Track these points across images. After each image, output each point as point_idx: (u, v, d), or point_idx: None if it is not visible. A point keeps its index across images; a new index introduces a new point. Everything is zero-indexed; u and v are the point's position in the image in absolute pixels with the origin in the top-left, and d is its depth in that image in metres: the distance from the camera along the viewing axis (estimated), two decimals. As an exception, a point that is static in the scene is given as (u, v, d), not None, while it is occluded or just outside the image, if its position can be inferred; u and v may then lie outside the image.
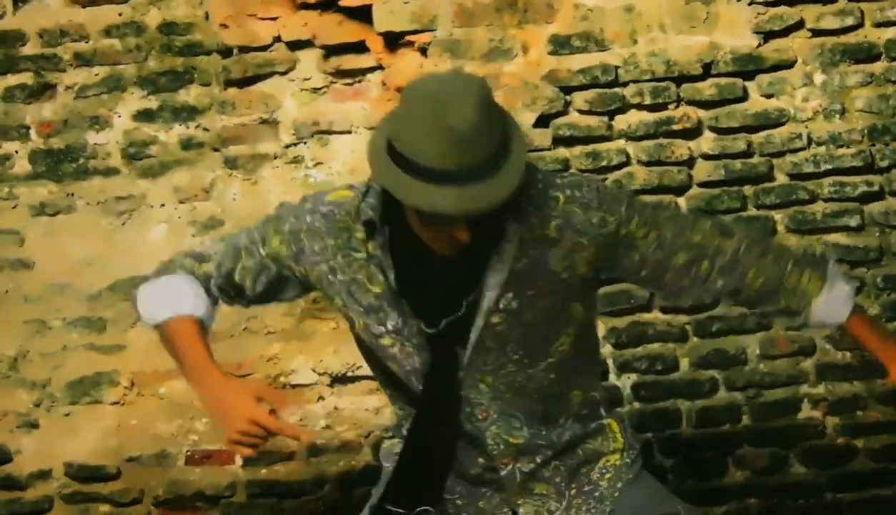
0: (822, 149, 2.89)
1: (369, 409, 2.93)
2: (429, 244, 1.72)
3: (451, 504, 1.93)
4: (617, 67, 2.90)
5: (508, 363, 1.84)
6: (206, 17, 2.94)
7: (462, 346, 1.81)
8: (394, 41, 2.87)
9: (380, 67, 2.91)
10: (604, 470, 1.98)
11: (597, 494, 1.96)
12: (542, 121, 2.87)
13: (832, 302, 1.95)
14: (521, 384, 1.86)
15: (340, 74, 2.91)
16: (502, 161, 1.62)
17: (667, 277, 1.87)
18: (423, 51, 2.85)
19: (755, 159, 2.91)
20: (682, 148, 2.87)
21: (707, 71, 2.89)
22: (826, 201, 2.91)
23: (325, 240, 1.83)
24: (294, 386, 2.97)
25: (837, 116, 2.89)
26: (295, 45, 2.92)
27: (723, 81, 2.89)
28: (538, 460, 1.89)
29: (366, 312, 1.83)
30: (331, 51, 2.90)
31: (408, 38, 2.86)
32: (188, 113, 2.95)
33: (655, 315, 2.99)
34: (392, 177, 1.62)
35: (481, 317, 1.78)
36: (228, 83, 2.93)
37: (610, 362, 2.93)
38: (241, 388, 1.80)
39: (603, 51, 2.90)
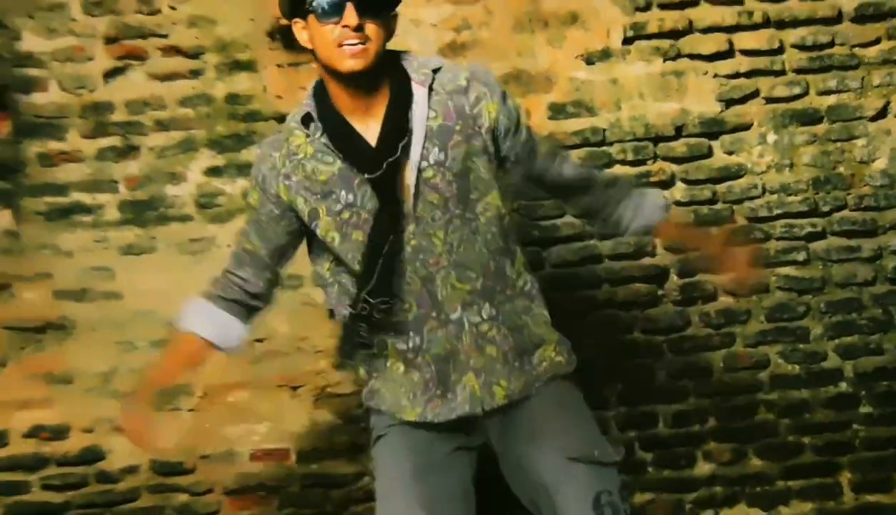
0: (775, 197, 3.06)
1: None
2: (338, 64, 1.83)
3: (418, 350, 2.02)
4: (604, 130, 3.06)
5: (454, 218, 1.95)
6: (265, 89, 3.10)
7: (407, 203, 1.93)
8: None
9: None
10: (543, 359, 2.07)
11: (534, 374, 2.05)
12: (543, 175, 2.97)
13: (644, 204, 2.09)
14: (469, 238, 1.96)
15: (375, 137, 3.13)
16: None
17: (535, 163, 2.07)
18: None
19: (719, 206, 3.07)
20: (658, 197, 3.09)
21: (679, 132, 3.05)
22: (777, 239, 3.07)
23: (273, 155, 2.00)
24: (339, 396, 3.14)
25: (787, 169, 3.06)
26: (337, 115, 3.13)
27: (692, 140, 3.06)
28: (483, 315, 1.99)
29: (322, 198, 1.95)
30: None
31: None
32: (250, 169, 2.89)
33: (636, 336, 3.11)
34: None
35: (413, 168, 1.91)
36: (283, 145, 3.16)
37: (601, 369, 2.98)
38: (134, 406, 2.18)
39: (592, 116, 3.06)
